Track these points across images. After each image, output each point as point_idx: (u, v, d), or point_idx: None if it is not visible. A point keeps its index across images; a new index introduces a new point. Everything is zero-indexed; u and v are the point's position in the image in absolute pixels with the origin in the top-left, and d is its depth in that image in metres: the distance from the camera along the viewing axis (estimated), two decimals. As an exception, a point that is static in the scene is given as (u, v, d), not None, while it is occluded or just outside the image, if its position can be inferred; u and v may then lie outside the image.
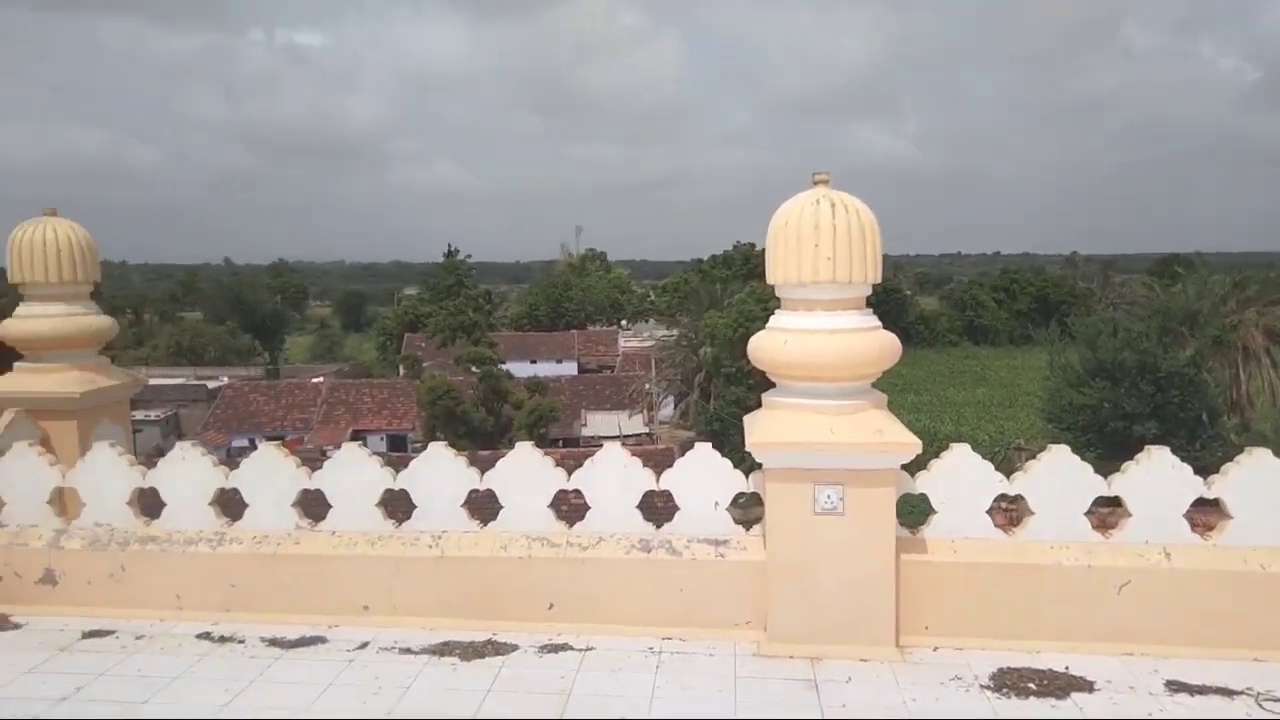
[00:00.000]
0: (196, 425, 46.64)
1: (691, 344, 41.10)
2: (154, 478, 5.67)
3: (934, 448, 5.25)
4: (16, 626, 5.40)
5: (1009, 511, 5.50)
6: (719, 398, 36.48)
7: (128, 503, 5.68)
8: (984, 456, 5.08)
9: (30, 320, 6.86)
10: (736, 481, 5.23)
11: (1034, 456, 5.11)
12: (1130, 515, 4.95)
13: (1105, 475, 4.96)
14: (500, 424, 40.55)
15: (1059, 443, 5.24)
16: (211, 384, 54.30)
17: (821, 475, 4.82)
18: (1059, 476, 4.97)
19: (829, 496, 4.82)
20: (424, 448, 5.63)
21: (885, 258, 5.15)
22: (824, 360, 4.82)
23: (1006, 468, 5.16)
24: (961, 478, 5.03)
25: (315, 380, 51.62)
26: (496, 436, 39.01)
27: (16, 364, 7.02)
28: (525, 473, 5.37)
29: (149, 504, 5.77)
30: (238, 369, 65.81)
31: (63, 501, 5.89)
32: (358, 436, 42.29)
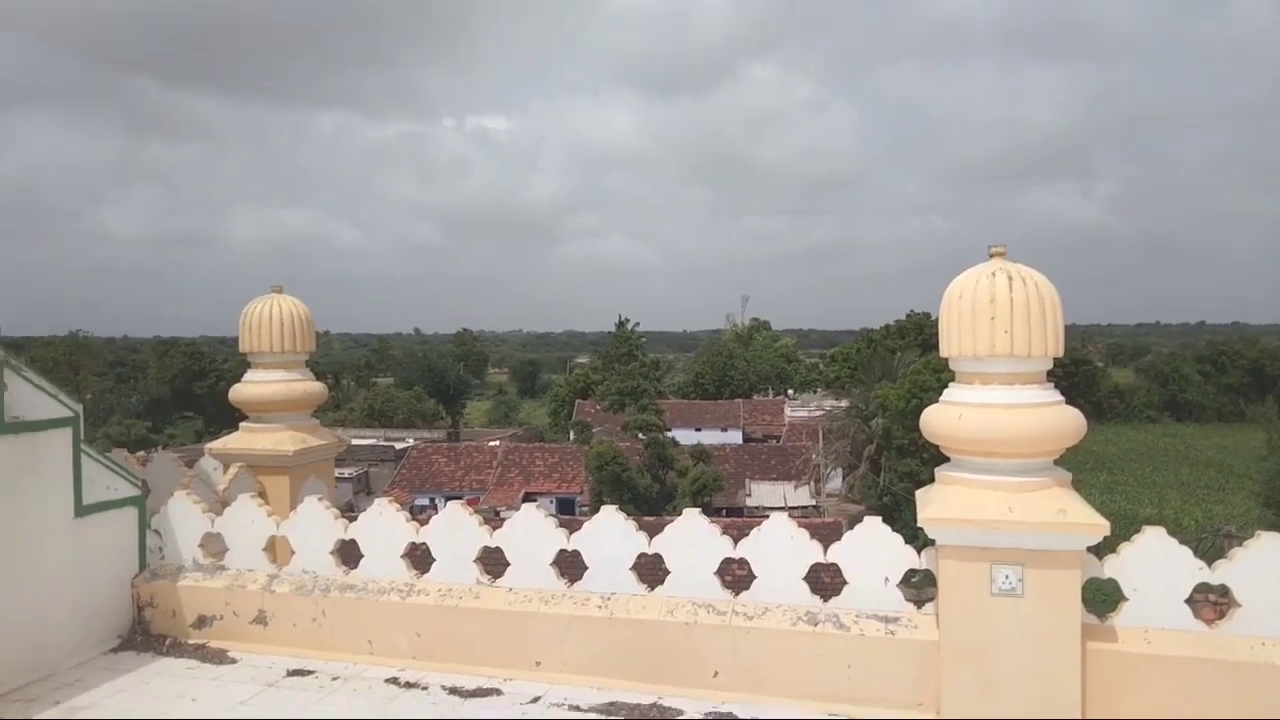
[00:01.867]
0: (384, 483, 49.69)
1: (862, 415, 40.09)
2: (354, 530, 6.17)
3: (1129, 531, 4.94)
4: (233, 661, 5.97)
5: (1218, 605, 5.06)
6: (890, 471, 35.26)
7: (331, 552, 6.19)
8: (1190, 543, 4.73)
9: (255, 385, 7.70)
10: (908, 557, 5.12)
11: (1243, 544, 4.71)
12: (1360, 614, 4.45)
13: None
14: (665, 490, 40.86)
15: (1279, 530, 4.81)
16: (399, 445, 57.79)
17: (999, 554, 4.64)
18: (1272, 566, 4.56)
19: (1007, 577, 4.62)
20: (591, 511, 5.84)
21: (1073, 327, 5.04)
22: (1001, 436, 4.68)
23: (1216, 555, 4.77)
24: (1156, 563, 4.70)
25: (492, 444, 53.92)
26: (661, 503, 39.30)
27: (242, 424, 7.88)
28: (692, 539, 5.47)
29: (348, 554, 6.27)
30: (423, 431, 69.77)
31: (275, 549, 6.49)
32: (529, 498, 43.68)
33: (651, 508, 36.20)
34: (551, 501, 44.41)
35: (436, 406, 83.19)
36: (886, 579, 5.14)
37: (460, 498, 41.89)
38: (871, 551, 5.16)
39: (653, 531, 5.62)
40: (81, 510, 5.91)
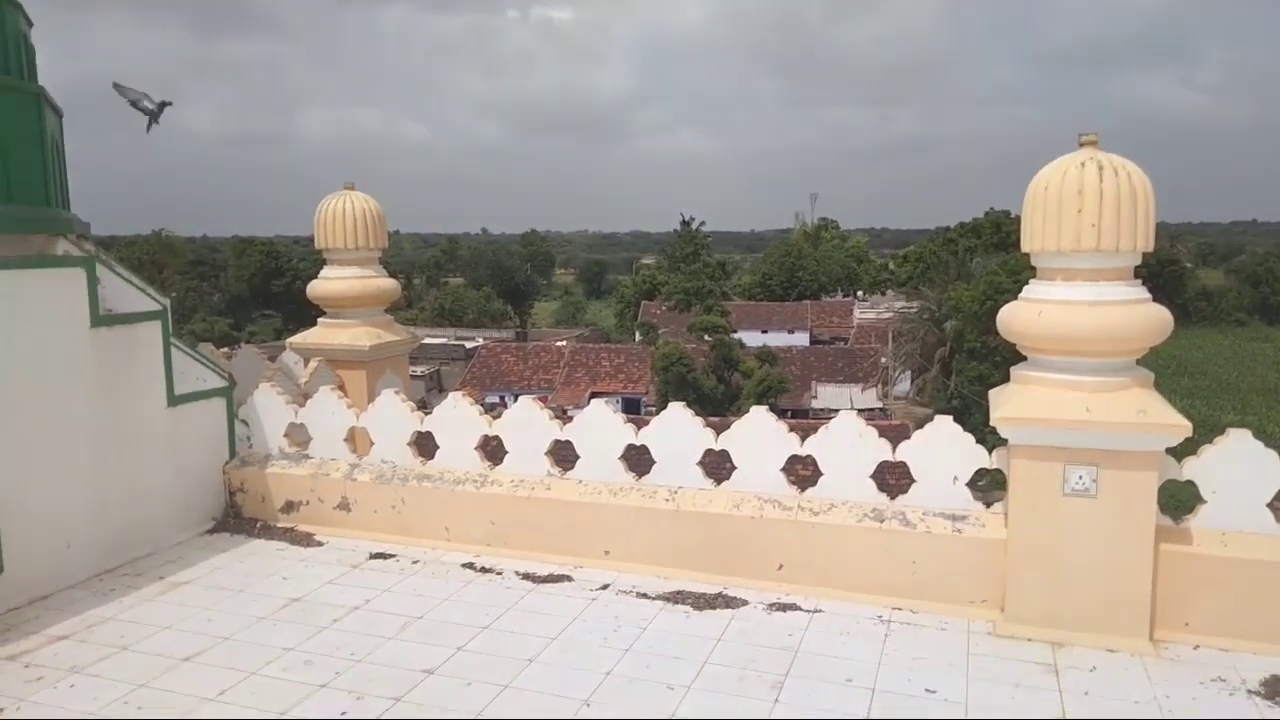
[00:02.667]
0: (455, 381, 50.97)
1: (934, 317, 39.30)
2: (430, 423, 6.37)
3: (1209, 438, 4.80)
4: (320, 544, 6.31)
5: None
6: (960, 374, 34.73)
7: (408, 444, 6.42)
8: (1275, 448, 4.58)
9: (331, 282, 7.88)
10: (978, 457, 5.08)
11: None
12: None
13: None
14: (730, 392, 41.02)
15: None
16: (469, 344, 58.93)
17: (1074, 455, 4.57)
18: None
19: (1081, 477, 4.56)
20: (657, 411, 5.91)
21: (1162, 226, 4.75)
22: (1083, 333, 4.55)
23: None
24: (1238, 466, 4.58)
25: (559, 344, 54.59)
26: (726, 404, 39.52)
27: (320, 319, 8.11)
28: (759, 436, 5.50)
29: (424, 446, 6.49)
30: (492, 331, 70.92)
31: (354, 440, 6.75)
32: (596, 398, 44.35)
33: (716, 409, 36.46)
34: (618, 401, 45.04)
35: (505, 306, 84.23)
36: (955, 478, 5.12)
37: (529, 396, 42.64)
38: (941, 450, 5.13)
39: (719, 430, 5.67)
40: (174, 400, 6.21)
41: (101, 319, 5.64)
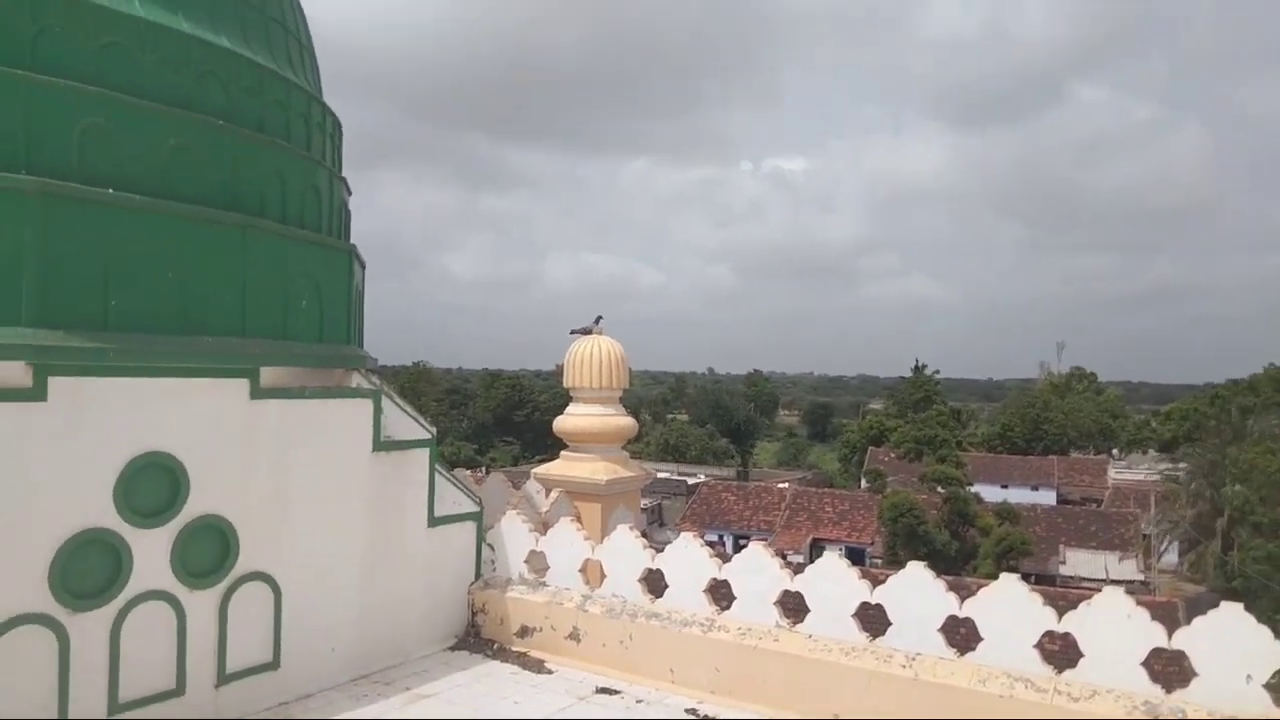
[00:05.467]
0: (676, 516, 51.29)
1: (1210, 481, 35.01)
2: (661, 561, 6.47)
3: None
4: (549, 672, 6.47)
5: None
6: (1245, 550, 30.40)
7: (639, 579, 6.53)
8: None
9: (575, 418, 8.40)
10: (1276, 655, 4.42)
11: None
12: None
13: None
14: (965, 549, 38.28)
15: None
16: (691, 480, 59.40)
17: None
18: None
19: None
20: (885, 564, 5.66)
21: None
22: None
23: None
24: None
25: (781, 485, 53.73)
26: (959, 562, 36.84)
27: (563, 453, 8.59)
28: (1010, 605, 5.12)
29: (653, 583, 6.58)
30: (713, 468, 71.24)
31: (587, 571, 6.97)
32: (817, 544, 42.92)
33: (949, 566, 34.06)
34: (841, 550, 43.27)
35: (727, 445, 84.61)
36: (1249, 677, 4.47)
37: (748, 537, 42.10)
38: (1230, 642, 4.52)
39: (961, 595, 5.34)
40: (434, 521, 6.75)
41: (382, 444, 6.31)
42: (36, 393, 4.48)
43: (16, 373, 4.45)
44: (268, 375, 5.57)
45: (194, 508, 5.16)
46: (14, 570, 4.41)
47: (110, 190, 4.85)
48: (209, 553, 5.28)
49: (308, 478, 5.83)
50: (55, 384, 4.54)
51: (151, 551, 4.97)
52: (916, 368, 76.37)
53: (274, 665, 5.62)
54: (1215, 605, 4.69)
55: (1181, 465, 41.55)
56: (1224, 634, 4.53)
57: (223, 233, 5.35)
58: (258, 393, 5.48)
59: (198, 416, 5.18)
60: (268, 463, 5.57)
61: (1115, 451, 75.34)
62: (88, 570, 4.70)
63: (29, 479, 4.46)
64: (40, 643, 4.51)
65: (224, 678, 5.33)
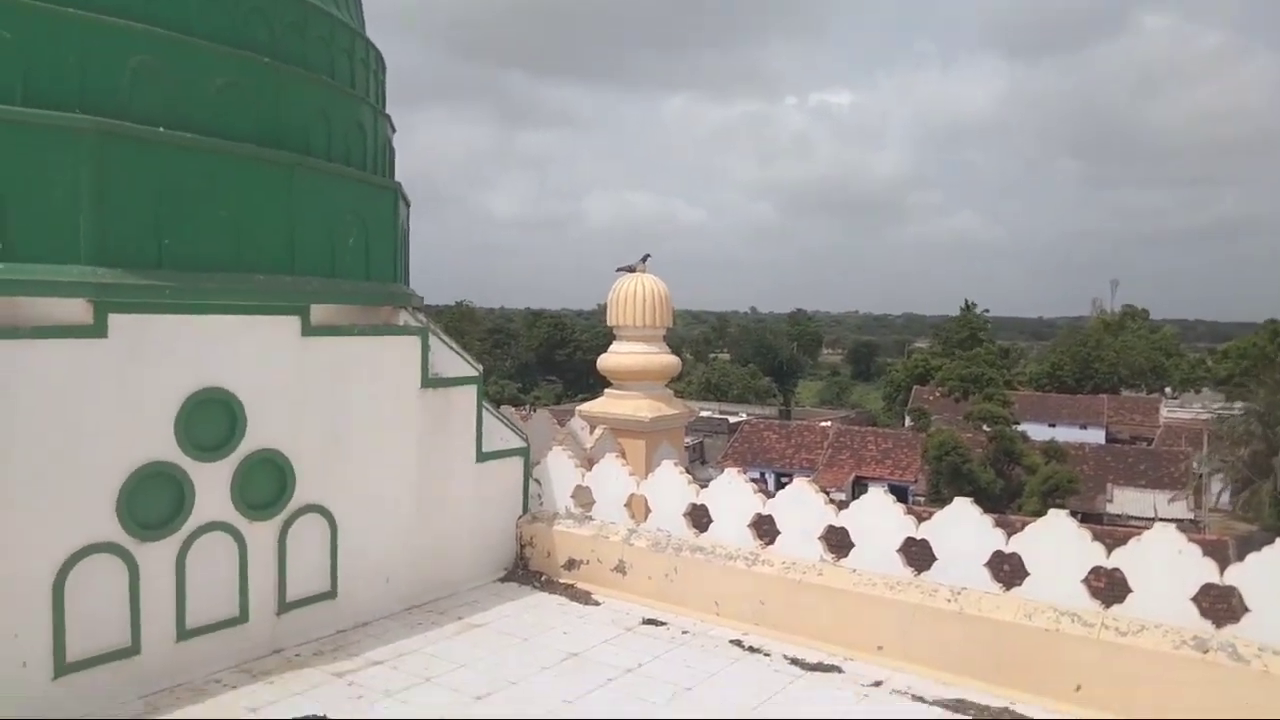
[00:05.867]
0: (717, 454, 51.61)
1: (1265, 421, 34.21)
2: (705, 496, 6.54)
3: None
4: (597, 604, 6.63)
5: None
6: (1298, 489, 29.81)
7: (684, 514, 6.62)
8: None
9: (619, 356, 8.43)
10: (1333, 590, 4.36)
11: None
12: None
13: None
14: (1009, 488, 38.05)
15: None
16: (732, 419, 59.60)
17: None
18: None
19: None
20: (928, 502, 5.67)
21: None
22: None
23: None
24: None
25: (823, 424, 53.67)
26: (1004, 501, 36.66)
27: (606, 390, 8.66)
28: (1058, 541, 5.11)
29: (697, 518, 6.66)
30: (755, 407, 71.37)
31: (633, 506, 7.07)
32: (860, 482, 42.95)
33: (994, 504, 33.91)
34: (884, 488, 43.25)
35: (769, 384, 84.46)
36: (1303, 612, 4.43)
37: (790, 475, 42.10)
38: (1284, 578, 4.47)
39: (1008, 531, 5.33)
40: (481, 457, 6.88)
41: (430, 380, 6.41)
42: (98, 329, 4.61)
43: (78, 310, 4.57)
44: (318, 313, 5.66)
45: (251, 442, 5.31)
46: (84, 501, 4.60)
47: (161, 129, 4.91)
48: (267, 486, 5.45)
49: (359, 414, 5.96)
50: (115, 320, 4.66)
51: (212, 484, 5.14)
52: (965, 306, 75.12)
53: (332, 594, 5.83)
54: (1269, 543, 4.63)
55: (1238, 403, 40.61)
56: (1277, 569, 4.48)
57: (272, 171, 5.40)
58: (309, 330, 5.58)
59: (252, 353, 5.30)
60: (320, 399, 5.69)
61: (1168, 390, 73.84)
62: (153, 502, 4.88)
63: (93, 414, 4.62)
64: (112, 571, 4.73)
65: (284, 606, 5.54)
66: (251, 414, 5.29)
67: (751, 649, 5.78)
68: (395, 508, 6.26)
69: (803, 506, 6.09)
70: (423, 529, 6.46)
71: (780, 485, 6.71)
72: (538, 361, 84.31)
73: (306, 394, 5.61)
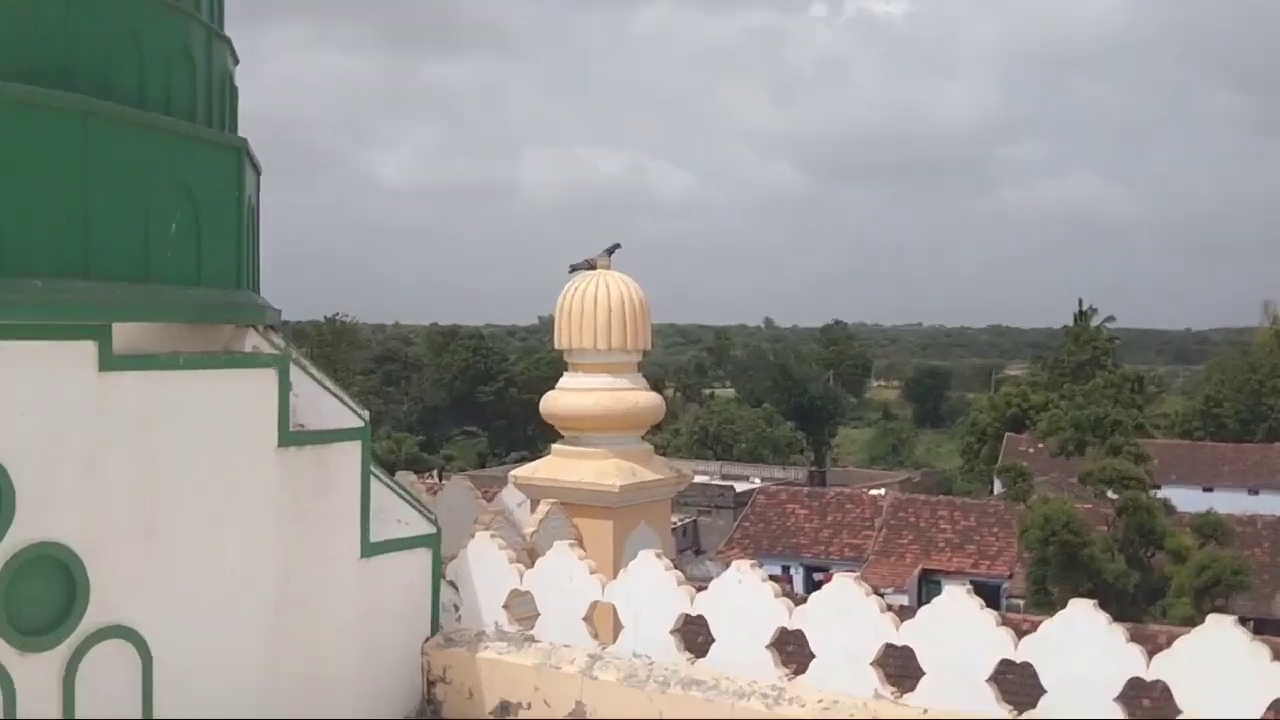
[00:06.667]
0: (718, 538, 51.65)
1: None
2: (703, 602, 6.53)
3: None
4: (543, 767, 6.59)
5: None
6: None
7: (672, 631, 6.61)
8: None
9: (574, 395, 8.46)
10: None
11: None
12: None
13: None
14: (1150, 582, 38.43)
15: None
16: (741, 486, 59.76)
17: None
18: None
19: None
20: (1030, 606, 5.72)
21: None
22: None
23: None
24: None
25: (874, 492, 53.97)
26: (1140, 601, 37.01)
27: (554, 445, 8.67)
28: (1222, 662, 5.15)
29: (692, 636, 6.66)
30: (774, 469, 71.59)
31: (596, 620, 7.05)
32: (929, 578, 43.17)
33: (1124, 607, 34.25)
34: (964, 585, 43.45)
35: (794, 433, 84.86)
36: None
37: (827, 568, 42.34)
38: None
39: (1138, 643, 5.38)
40: (369, 549, 6.85)
41: (292, 436, 6.39)
42: None
43: None
44: (123, 335, 5.64)
45: (21, 533, 5.25)
46: None
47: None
48: (45, 598, 5.37)
49: (185, 487, 5.92)
50: None
51: (-40, 597, 5.08)
52: (1080, 314, 76.11)
53: (143, 760, 5.75)
54: None
55: None
56: None
57: (51, 122, 5.36)
58: (109, 362, 5.54)
59: (21, 398, 5.25)
60: (125, 465, 5.65)
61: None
62: None
63: None
64: None
65: (71, 778, 5.46)
66: (21, 489, 5.23)
67: (775, 832, 5.76)
68: (239, 630, 6.20)
69: (847, 616, 6.10)
70: (281, 660, 6.40)
71: (813, 584, 6.72)
72: (451, 403, 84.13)
73: (106, 458, 5.57)
